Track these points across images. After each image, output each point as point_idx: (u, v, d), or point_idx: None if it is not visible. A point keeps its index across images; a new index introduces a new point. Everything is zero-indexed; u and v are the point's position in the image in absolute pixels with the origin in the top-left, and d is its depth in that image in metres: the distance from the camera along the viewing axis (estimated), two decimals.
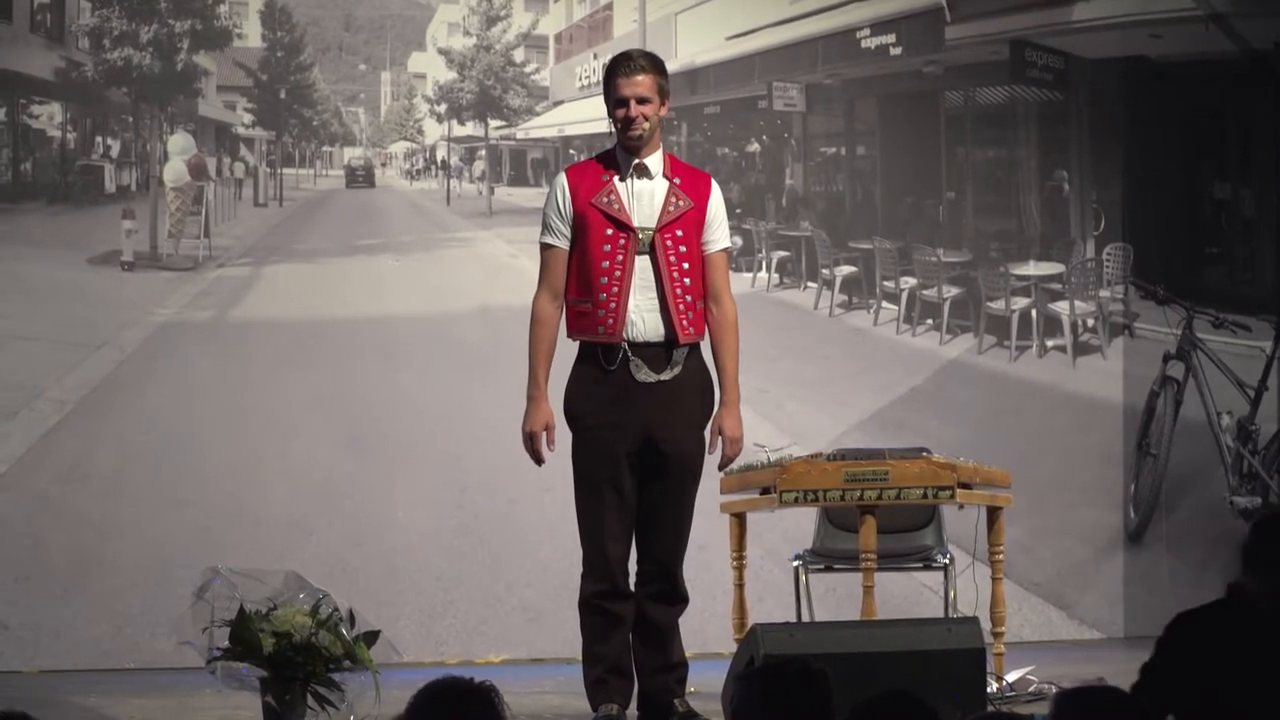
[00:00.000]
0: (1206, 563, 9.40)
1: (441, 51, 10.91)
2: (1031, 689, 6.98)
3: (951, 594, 7.39)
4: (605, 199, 6.28)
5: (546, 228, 6.36)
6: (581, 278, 6.27)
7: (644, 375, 6.26)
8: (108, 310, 9.34)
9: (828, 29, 10.07)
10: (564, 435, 6.42)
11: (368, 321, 9.56)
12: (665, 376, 6.28)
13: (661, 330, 6.26)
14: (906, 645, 6.06)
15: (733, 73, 10.39)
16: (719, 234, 6.40)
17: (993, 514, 6.95)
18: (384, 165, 11.18)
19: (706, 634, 7.59)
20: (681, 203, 6.31)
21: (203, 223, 9.86)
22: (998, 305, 9.80)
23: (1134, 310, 9.70)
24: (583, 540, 6.38)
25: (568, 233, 6.31)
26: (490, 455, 9.13)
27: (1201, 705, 4.14)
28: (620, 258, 6.24)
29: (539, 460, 6.39)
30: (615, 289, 6.23)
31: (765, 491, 6.69)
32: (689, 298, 6.29)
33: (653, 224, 6.28)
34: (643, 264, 6.26)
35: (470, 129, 10.97)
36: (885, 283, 10.01)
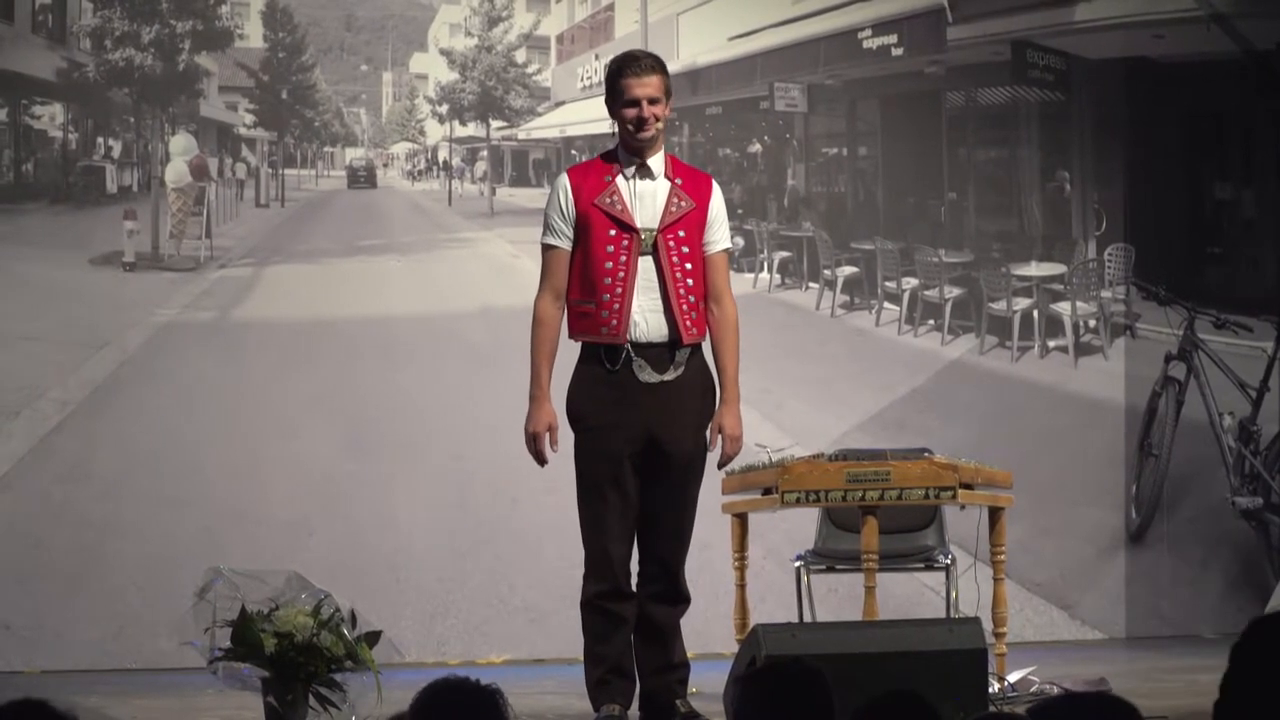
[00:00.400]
0: (1208, 563, 9.41)
1: (443, 52, 10.91)
2: (1033, 689, 6.97)
3: (953, 594, 7.39)
4: (608, 199, 6.28)
5: (548, 228, 6.36)
6: (584, 278, 6.27)
7: (647, 376, 6.26)
8: (109, 311, 9.35)
9: (829, 29, 10.07)
10: (566, 435, 6.42)
11: (369, 322, 9.56)
12: (668, 377, 6.28)
13: (664, 331, 6.26)
14: (908, 646, 6.06)
15: (734, 73, 10.39)
16: (720, 234, 6.41)
17: (994, 514, 6.95)
18: (386, 166, 11.18)
19: (708, 634, 7.59)
20: (684, 203, 6.31)
21: (204, 223, 9.86)
22: (999, 306, 9.80)
23: (1135, 311, 9.70)
24: (585, 541, 6.38)
25: (570, 233, 6.31)
26: (492, 455, 9.12)
27: None
28: (624, 258, 6.24)
29: (542, 461, 6.39)
30: (619, 289, 6.23)
31: (767, 492, 6.69)
32: (692, 298, 6.30)
33: (655, 224, 6.28)
34: (645, 264, 6.27)
35: (472, 129, 10.97)
36: (887, 283, 10.01)
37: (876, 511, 6.63)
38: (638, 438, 6.26)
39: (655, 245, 6.27)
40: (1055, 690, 7.01)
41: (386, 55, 11.25)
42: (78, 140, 10.11)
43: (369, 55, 11.27)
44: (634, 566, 6.45)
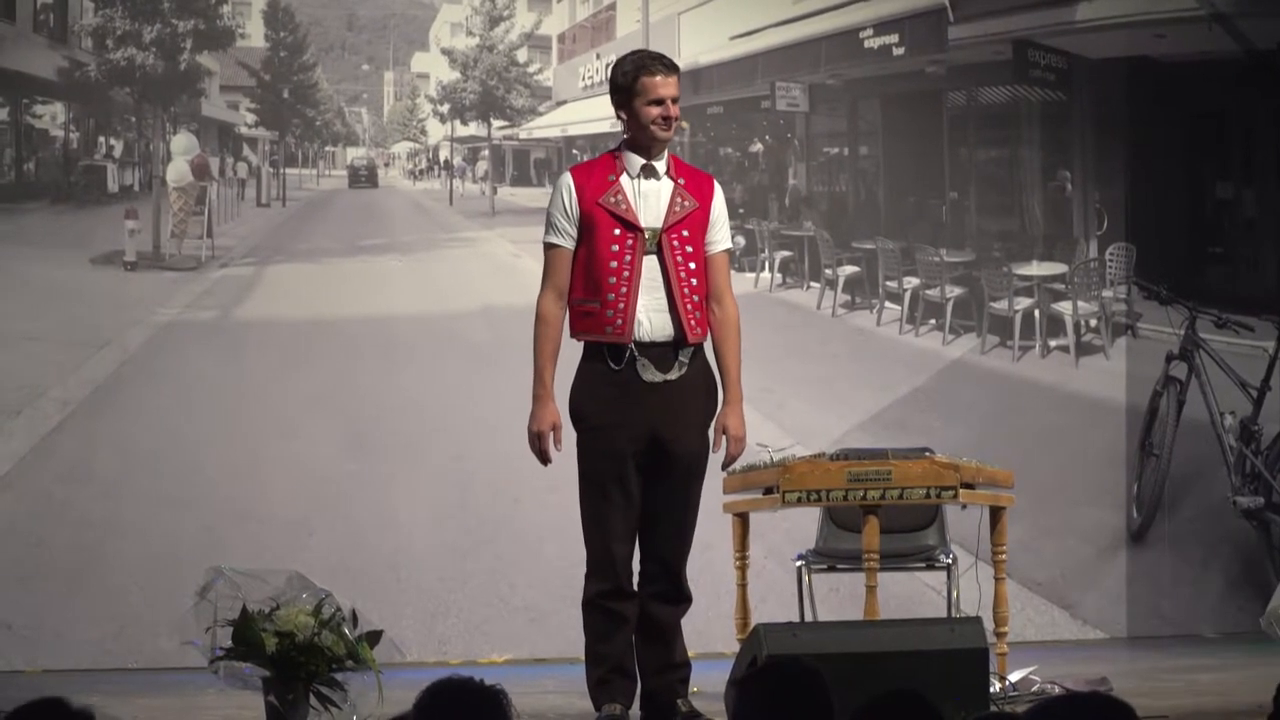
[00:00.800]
0: (1209, 562, 9.41)
1: (444, 51, 10.91)
2: (1034, 689, 6.97)
3: (954, 594, 7.39)
4: (613, 199, 6.28)
5: (551, 227, 6.35)
6: (588, 277, 6.27)
7: (650, 375, 6.26)
8: (110, 310, 9.35)
9: (831, 29, 10.07)
10: (568, 435, 6.41)
11: (370, 321, 9.56)
12: (671, 376, 6.28)
13: (668, 330, 6.26)
14: (909, 645, 6.06)
15: (736, 73, 10.38)
16: (721, 234, 6.42)
17: (995, 514, 6.95)
18: (387, 165, 11.19)
19: (709, 634, 7.59)
20: (687, 203, 6.32)
21: (205, 223, 9.86)
22: (1000, 305, 9.80)
23: (1137, 310, 9.70)
24: (587, 540, 6.38)
25: (574, 232, 6.30)
26: (493, 455, 9.13)
27: None
28: (628, 258, 6.24)
29: (545, 460, 6.39)
30: (624, 289, 6.23)
31: (768, 491, 6.69)
32: (696, 298, 6.30)
33: (659, 224, 6.28)
34: (650, 264, 6.26)
35: (473, 129, 10.97)
36: (888, 283, 10.01)
37: (878, 511, 6.63)
38: (641, 437, 6.26)
39: (659, 245, 6.27)
40: (1056, 690, 7.01)
41: (388, 54, 11.26)
42: (79, 139, 10.11)
43: (370, 54, 11.27)
44: (635, 566, 6.45)
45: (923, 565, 7.58)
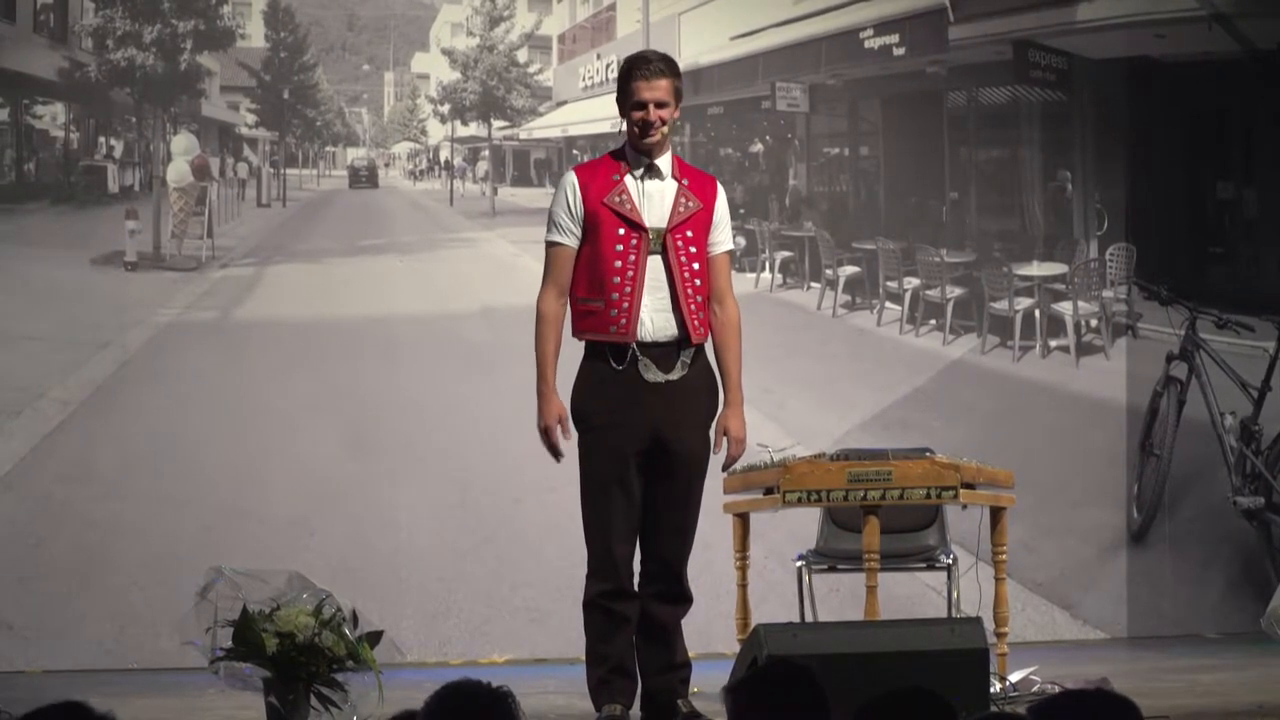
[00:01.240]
0: (1209, 562, 9.41)
1: (445, 52, 10.91)
2: (1035, 689, 6.97)
3: (955, 594, 7.39)
4: (617, 198, 6.28)
5: (554, 226, 6.34)
6: (591, 277, 6.26)
7: (652, 375, 6.26)
8: (111, 310, 9.35)
9: (831, 29, 10.07)
10: (572, 434, 6.40)
11: (371, 322, 9.56)
12: (673, 376, 6.28)
13: (670, 330, 6.26)
14: (909, 645, 6.06)
15: (736, 73, 10.39)
16: (723, 236, 6.42)
17: (996, 514, 6.94)
18: (387, 166, 11.19)
19: (710, 634, 7.59)
20: (691, 204, 6.32)
21: (206, 223, 9.86)
22: (1001, 305, 9.80)
23: (1137, 310, 9.70)
24: (588, 540, 6.38)
25: (577, 231, 6.29)
26: (493, 455, 9.14)
27: None
28: (633, 257, 6.24)
29: (557, 454, 6.35)
30: (628, 288, 6.23)
31: (769, 492, 6.69)
32: (699, 298, 6.30)
33: (664, 224, 6.28)
34: (654, 264, 6.26)
35: (474, 129, 10.97)
36: (888, 283, 10.01)
37: (878, 511, 6.63)
38: (642, 437, 6.26)
39: (664, 245, 6.27)
40: (1056, 690, 7.01)
41: (388, 55, 11.26)
42: (79, 140, 10.12)
43: (371, 55, 11.27)
44: (636, 566, 6.45)
45: (923, 565, 7.58)
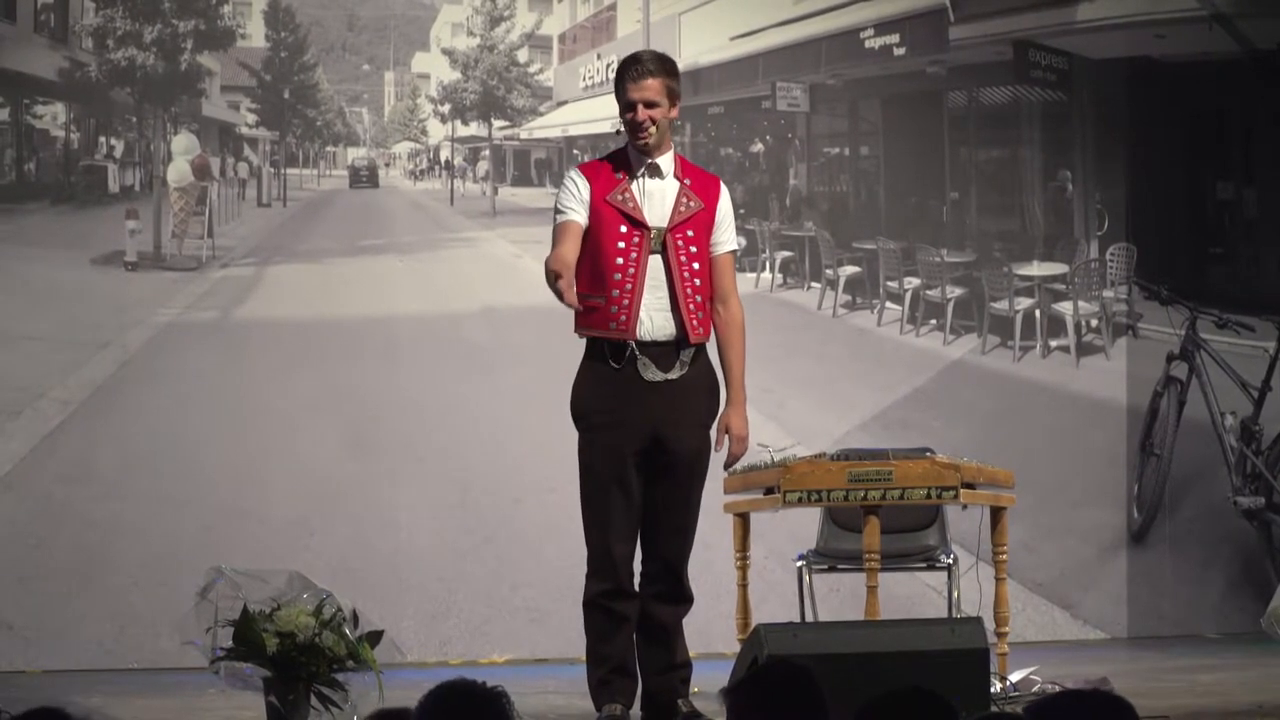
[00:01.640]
0: (1210, 562, 9.41)
1: (445, 52, 10.91)
2: (1035, 689, 6.97)
3: (955, 594, 7.39)
4: (620, 196, 6.28)
5: (563, 208, 6.28)
6: (593, 273, 6.25)
7: (651, 374, 6.26)
8: (111, 310, 9.35)
9: (831, 29, 10.07)
10: (570, 434, 6.41)
11: (371, 322, 9.56)
12: (672, 376, 6.28)
13: (670, 330, 6.26)
14: (910, 645, 6.05)
15: (737, 73, 10.38)
16: (726, 236, 6.41)
17: (996, 514, 6.94)
18: (388, 165, 11.18)
19: (710, 634, 7.59)
20: (692, 203, 6.32)
21: (206, 223, 9.86)
22: (1001, 305, 9.80)
23: (1137, 310, 9.70)
24: (588, 539, 6.38)
25: (586, 215, 6.27)
26: (494, 455, 9.14)
27: None
28: (634, 255, 6.24)
29: (565, 295, 5.96)
30: (629, 286, 6.23)
31: (769, 491, 6.68)
32: (699, 298, 6.30)
33: (664, 223, 6.28)
34: (654, 263, 6.26)
35: (474, 129, 10.96)
36: (889, 283, 10.01)
37: (878, 511, 6.63)
38: (642, 436, 6.25)
39: (664, 244, 6.27)
40: (1057, 690, 7.01)
41: (388, 55, 11.25)
42: (80, 140, 10.12)
43: (371, 55, 11.27)
44: (636, 566, 6.45)
45: (923, 565, 7.58)
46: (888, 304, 10.02)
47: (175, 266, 9.69)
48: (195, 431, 9.05)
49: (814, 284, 10.22)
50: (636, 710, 6.43)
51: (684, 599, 6.46)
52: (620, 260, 6.24)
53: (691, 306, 6.27)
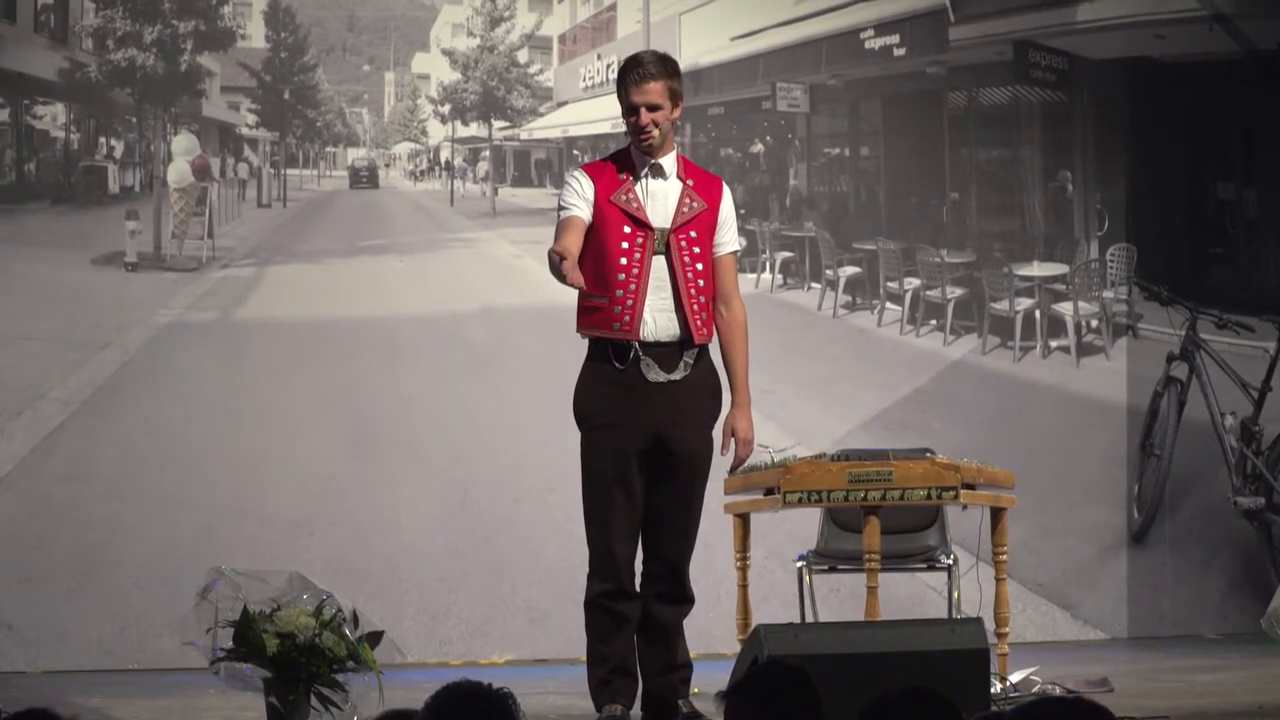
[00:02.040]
0: (1210, 563, 9.41)
1: (445, 52, 10.91)
2: (1035, 690, 6.98)
3: (955, 595, 7.39)
4: (624, 197, 6.28)
5: (567, 204, 6.26)
6: (597, 274, 6.24)
7: (654, 375, 6.26)
8: (111, 311, 9.35)
9: (832, 30, 10.07)
10: (572, 434, 6.41)
11: (371, 322, 9.56)
12: (676, 376, 6.28)
13: (673, 330, 6.26)
14: (910, 646, 6.06)
15: (737, 73, 10.38)
16: (729, 236, 6.42)
17: (996, 514, 6.94)
18: (388, 166, 11.18)
19: (710, 634, 7.59)
20: (695, 204, 6.32)
21: (206, 223, 9.85)
22: (1001, 306, 9.80)
23: (1138, 311, 9.71)
24: (590, 540, 6.38)
25: (590, 212, 6.26)
26: (494, 455, 9.14)
27: None
28: (638, 256, 6.24)
29: (566, 276, 5.94)
30: (633, 287, 6.23)
31: (769, 492, 6.68)
32: (702, 299, 6.30)
33: (668, 224, 6.28)
34: (658, 264, 6.26)
35: (474, 130, 10.96)
36: (889, 283, 10.01)
37: (879, 512, 6.63)
38: (644, 436, 6.25)
39: (668, 245, 6.27)
40: (1057, 690, 7.02)
41: (389, 55, 11.25)
42: (80, 140, 10.11)
43: (371, 55, 11.27)
44: (638, 566, 6.45)
45: (924, 566, 7.58)
46: (888, 304, 10.02)
47: (175, 267, 9.69)
48: (195, 431, 9.05)
49: (814, 284, 10.22)
50: (637, 710, 6.44)
51: (685, 599, 6.47)
52: (624, 261, 6.24)
53: (695, 307, 6.27)
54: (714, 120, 10.63)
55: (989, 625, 6.48)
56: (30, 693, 7.48)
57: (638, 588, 6.41)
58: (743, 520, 6.93)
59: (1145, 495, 9.44)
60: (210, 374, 9.19)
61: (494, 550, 9.05)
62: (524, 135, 11.02)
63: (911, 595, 8.46)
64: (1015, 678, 7.00)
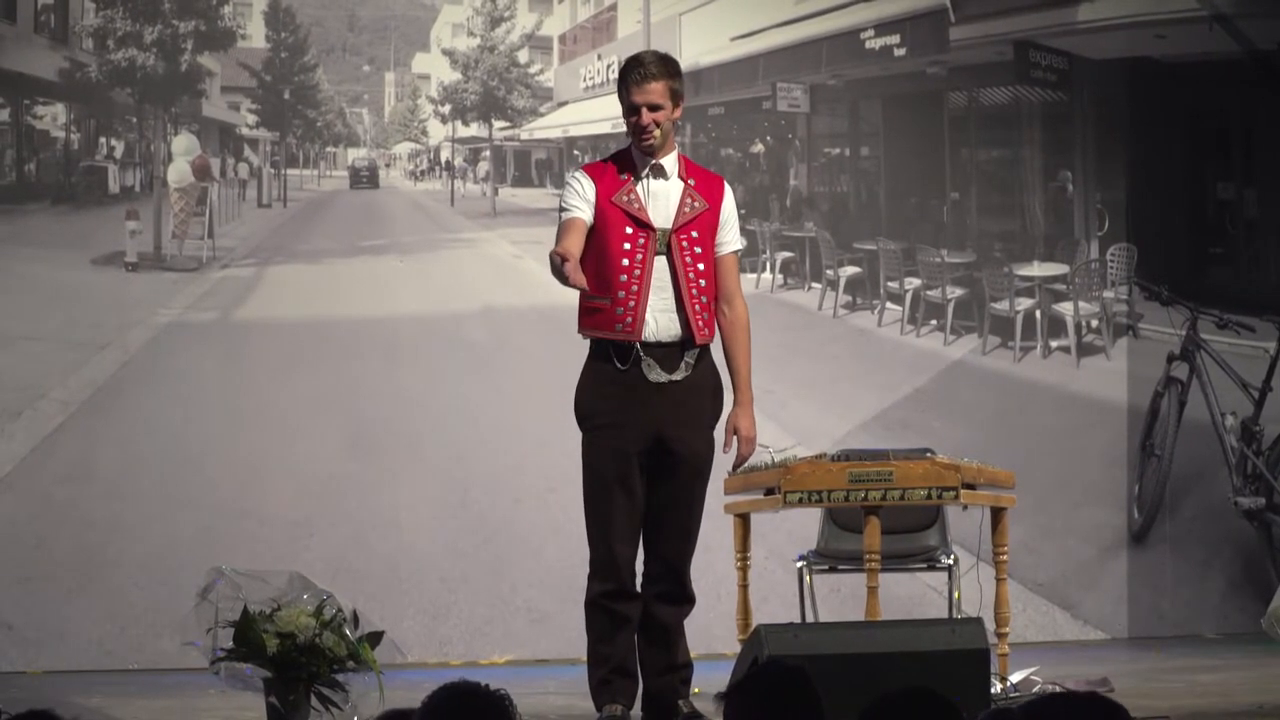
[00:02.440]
0: (1210, 563, 9.41)
1: (445, 52, 10.91)
2: (1035, 690, 6.97)
3: (955, 595, 7.39)
4: (625, 197, 6.27)
5: (568, 206, 6.27)
6: (599, 275, 6.24)
7: (656, 375, 6.25)
8: (112, 311, 9.35)
9: (832, 30, 10.07)
10: (573, 434, 6.41)
11: (371, 322, 9.57)
12: (677, 377, 6.28)
13: (675, 331, 6.26)
14: (910, 646, 6.05)
15: (737, 73, 10.39)
16: (731, 236, 6.41)
17: (997, 514, 6.94)
18: (388, 166, 11.18)
19: (711, 634, 7.59)
20: (697, 204, 6.31)
21: (206, 223, 9.86)
22: (1002, 306, 9.80)
23: (1138, 311, 9.71)
24: (590, 540, 6.37)
25: (590, 211, 6.26)
26: (494, 455, 9.14)
27: None
28: (640, 257, 6.24)
29: (572, 278, 5.95)
30: (635, 288, 6.22)
31: (770, 492, 6.68)
32: (704, 299, 6.29)
33: (669, 224, 6.28)
34: (659, 264, 6.26)
35: (474, 130, 10.97)
36: (889, 283, 10.01)
37: (879, 512, 6.63)
38: (645, 436, 6.25)
39: (669, 245, 6.27)
40: (1057, 690, 7.01)
41: (389, 55, 11.25)
42: (80, 140, 10.12)
43: (371, 55, 11.27)
44: (639, 566, 6.45)
45: (924, 566, 7.58)
46: (888, 304, 10.02)
47: (175, 267, 9.69)
48: (195, 431, 9.05)
49: (814, 284, 10.22)
50: (637, 711, 6.43)
51: (686, 600, 6.46)
52: (625, 262, 6.23)
53: (697, 307, 6.27)
54: (714, 120, 10.64)
55: (989, 625, 6.48)
56: (30, 693, 7.48)
57: (639, 588, 6.41)
58: (743, 520, 6.92)
59: (1145, 495, 9.44)
60: (210, 374, 9.19)
61: (494, 550, 9.05)
62: (524, 135, 11.03)
63: (912, 595, 8.46)
64: (1015, 678, 6.99)
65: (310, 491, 9.01)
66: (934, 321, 9.93)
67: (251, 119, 10.52)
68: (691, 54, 10.07)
